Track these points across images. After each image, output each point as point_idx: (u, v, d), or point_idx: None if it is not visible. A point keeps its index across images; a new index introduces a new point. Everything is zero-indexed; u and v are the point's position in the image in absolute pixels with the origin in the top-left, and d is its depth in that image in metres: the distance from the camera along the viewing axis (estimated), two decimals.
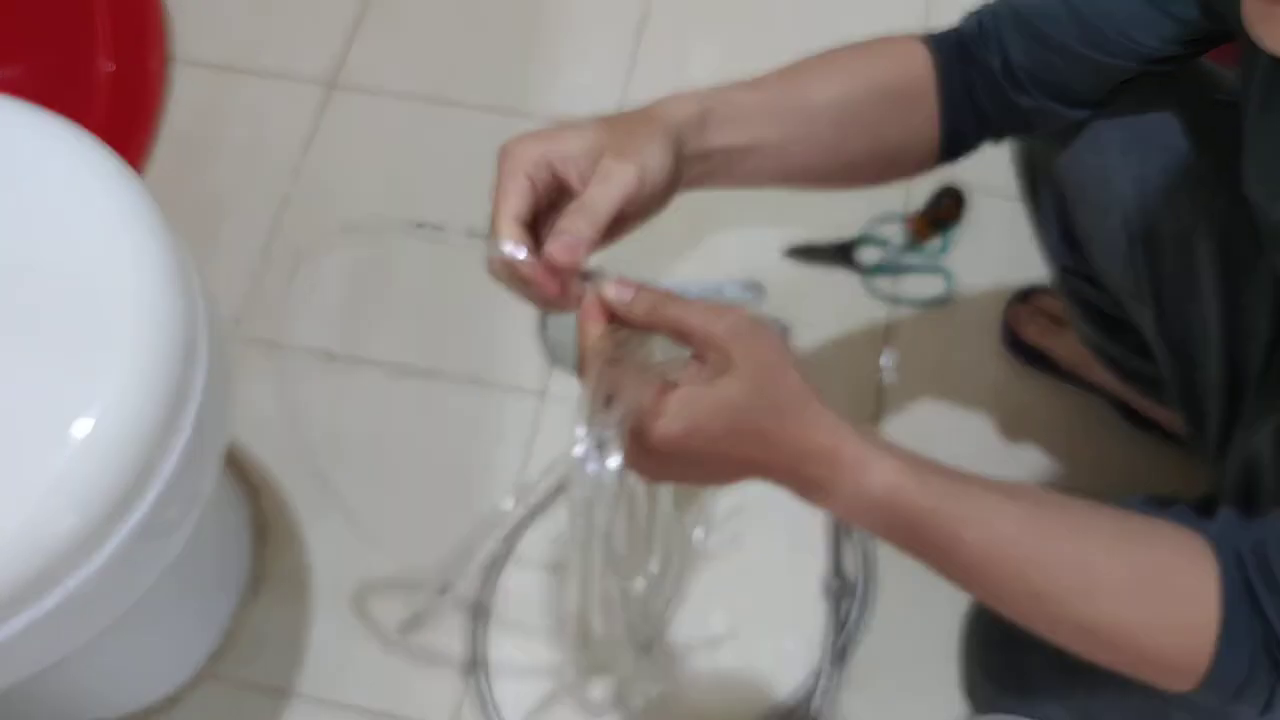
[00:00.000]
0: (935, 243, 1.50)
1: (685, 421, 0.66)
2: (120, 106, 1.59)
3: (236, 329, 1.47)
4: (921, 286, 1.48)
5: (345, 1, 1.72)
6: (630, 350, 0.71)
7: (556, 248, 0.70)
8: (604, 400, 0.66)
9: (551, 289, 0.72)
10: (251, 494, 1.38)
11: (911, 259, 1.49)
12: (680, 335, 0.70)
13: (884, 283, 1.48)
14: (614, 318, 0.71)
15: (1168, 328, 1.01)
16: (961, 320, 1.46)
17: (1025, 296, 1.42)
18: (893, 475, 0.68)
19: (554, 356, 1.43)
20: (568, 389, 1.41)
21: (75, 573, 0.83)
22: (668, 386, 0.67)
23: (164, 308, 0.89)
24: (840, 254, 1.48)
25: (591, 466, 0.65)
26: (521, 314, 1.44)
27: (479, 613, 1.30)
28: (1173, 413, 1.07)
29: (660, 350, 0.73)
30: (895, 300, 1.47)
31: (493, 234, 0.73)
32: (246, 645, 1.31)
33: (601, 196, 0.73)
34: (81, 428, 0.82)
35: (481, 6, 1.72)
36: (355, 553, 1.35)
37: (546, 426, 1.41)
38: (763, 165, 0.85)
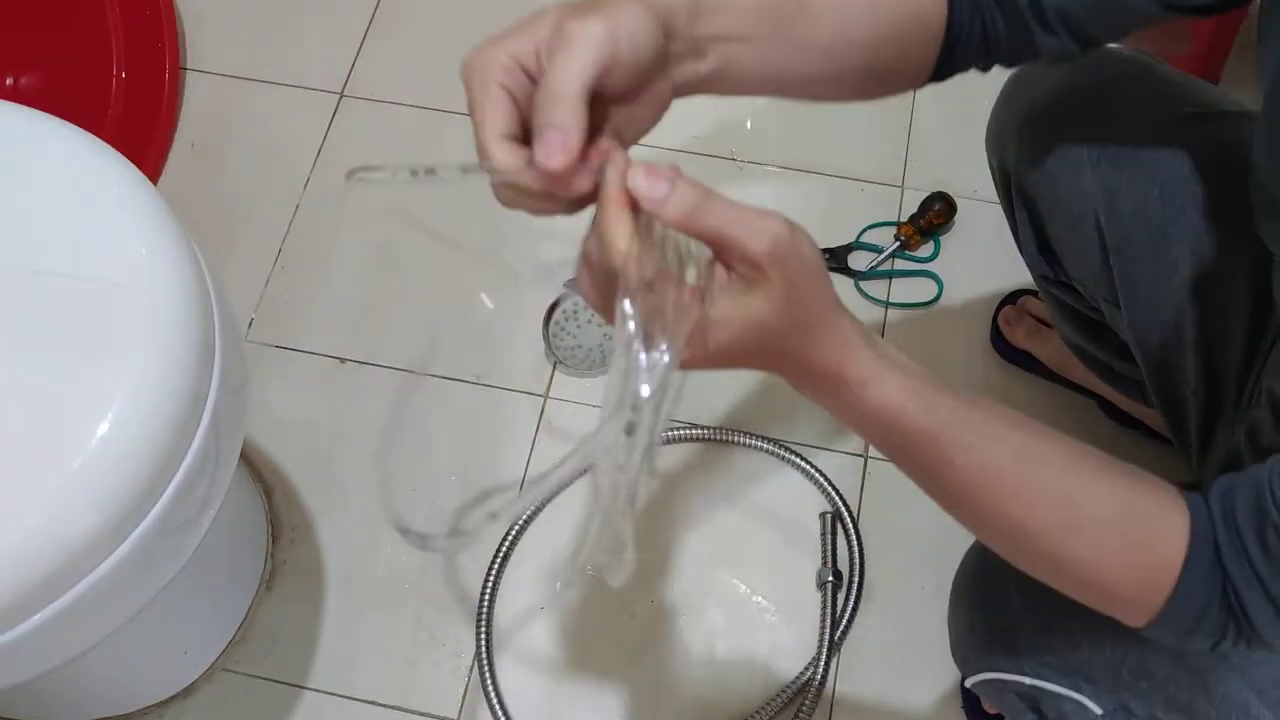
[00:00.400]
0: (926, 248, 1.51)
1: (719, 344, 0.64)
2: (134, 115, 1.60)
3: (250, 332, 1.49)
4: (913, 290, 1.49)
5: (354, 11, 1.73)
6: (654, 253, 0.63)
7: (543, 152, 0.60)
8: (648, 337, 0.62)
9: (576, 189, 0.63)
10: (265, 493, 1.39)
11: (903, 263, 1.50)
12: (714, 245, 0.63)
13: (876, 287, 1.49)
14: (637, 207, 0.62)
15: (1144, 333, 1.02)
16: (951, 323, 1.47)
17: (1012, 299, 1.43)
18: (894, 395, 0.68)
19: (558, 359, 1.45)
20: (568, 390, 1.45)
21: (94, 569, 0.85)
22: (699, 300, 0.63)
23: (180, 311, 0.89)
24: (833, 259, 1.49)
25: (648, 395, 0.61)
26: (525, 319, 1.47)
27: (483, 605, 1.31)
28: (1156, 412, 1.07)
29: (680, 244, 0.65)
30: (887, 304, 1.48)
31: (481, 159, 0.63)
32: (260, 639, 1.32)
33: (565, 68, 0.61)
34: (100, 428, 0.83)
35: (486, 16, 1.72)
36: (366, 549, 1.36)
37: (547, 426, 1.43)
38: (757, 65, 0.75)
